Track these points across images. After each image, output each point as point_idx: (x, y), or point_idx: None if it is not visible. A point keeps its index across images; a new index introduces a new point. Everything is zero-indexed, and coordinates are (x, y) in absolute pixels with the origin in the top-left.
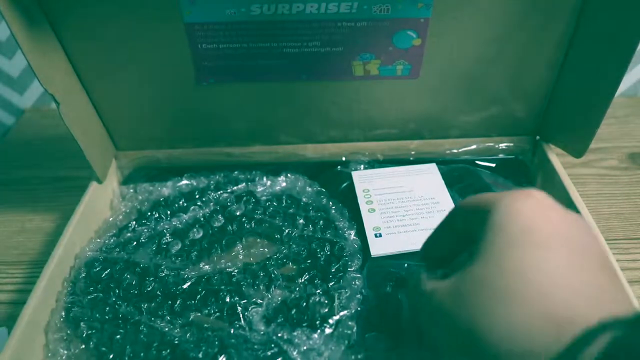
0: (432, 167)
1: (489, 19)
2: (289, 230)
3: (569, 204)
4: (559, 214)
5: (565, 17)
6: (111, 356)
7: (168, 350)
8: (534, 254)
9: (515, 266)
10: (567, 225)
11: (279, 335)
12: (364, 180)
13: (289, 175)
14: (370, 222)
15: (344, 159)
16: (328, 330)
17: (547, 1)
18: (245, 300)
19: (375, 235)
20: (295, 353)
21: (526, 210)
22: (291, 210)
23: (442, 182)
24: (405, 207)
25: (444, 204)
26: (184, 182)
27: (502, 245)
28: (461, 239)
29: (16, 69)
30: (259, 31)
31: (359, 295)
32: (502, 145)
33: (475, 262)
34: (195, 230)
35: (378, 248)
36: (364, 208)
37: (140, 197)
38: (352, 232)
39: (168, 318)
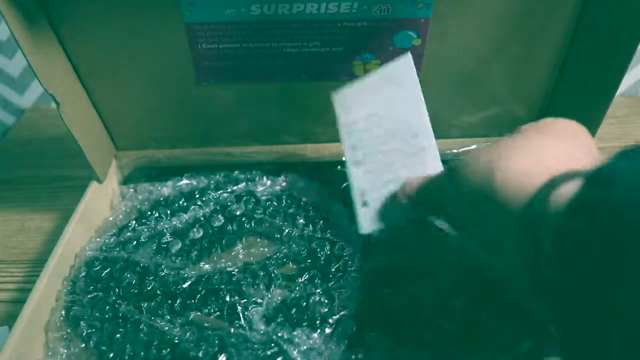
0: (407, 61)
1: (489, 19)
2: (289, 230)
3: None
4: (575, 124)
5: (565, 17)
6: (111, 355)
7: (168, 350)
8: (547, 136)
9: (532, 138)
10: (577, 129)
11: (279, 334)
12: (346, 110)
13: (289, 175)
14: (357, 182)
15: (344, 159)
16: (328, 330)
17: (547, 2)
18: (245, 300)
19: (363, 204)
20: (295, 352)
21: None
22: (291, 210)
23: (419, 90)
24: (387, 152)
25: (423, 135)
26: (184, 181)
27: (525, 130)
28: None
29: (16, 69)
30: (259, 31)
31: (359, 295)
32: None
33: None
34: (195, 229)
35: (367, 223)
36: (350, 158)
37: (140, 197)
38: (353, 232)
39: (168, 317)
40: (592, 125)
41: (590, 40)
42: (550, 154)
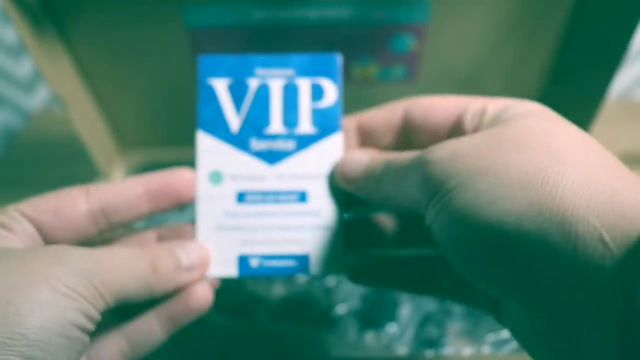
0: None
1: (485, 24)
2: None
3: (497, 98)
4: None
5: (558, 21)
6: None
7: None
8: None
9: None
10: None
11: (282, 330)
12: None
13: None
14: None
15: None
16: (329, 327)
17: (541, 7)
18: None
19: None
20: (297, 347)
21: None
22: None
23: None
24: None
25: None
26: None
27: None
28: None
29: (24, 72)
30: (260, 36)
31: (359, 292)
32: None
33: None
34: None
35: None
36: None
37: None
38: None
39: None
40: (584, 127)
41: (583, 43)
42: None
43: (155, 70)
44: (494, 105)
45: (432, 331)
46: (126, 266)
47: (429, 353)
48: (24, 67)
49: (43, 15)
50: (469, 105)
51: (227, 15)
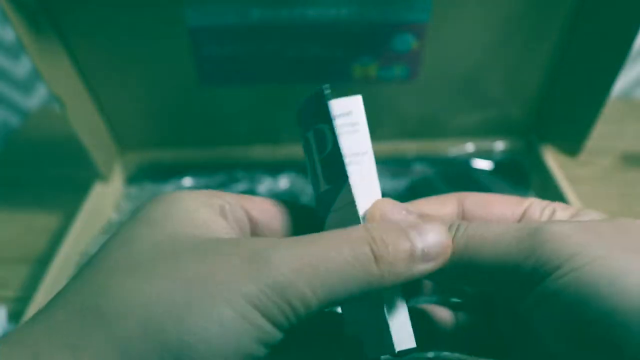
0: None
1: (486, 23)
2: None
3: (564, 203)
4: None
5: (560, 20)
6: None
7: None
8: None
9: None
10: None
11: None
12: None
13: (289, 175)
14: None
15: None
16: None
17: (541, 7)
18: None
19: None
20: None
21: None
22: None
23: None
24: None
25: None
26: (187, 181)
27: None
28: None
29: (22, 71)
30: (260, 35)
31: None
32: (499, 146)
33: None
34: None
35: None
36: None
37: (144, 197)
38: None
39: None
40: (587, 126)
41: (584, 43)
42: None
43: (154, 70)
44: (561, 206)
45: None
46: (339, 258)
47: (429, 353)
48: (22, 67)
49: (41, 14)
50: (532, 202)
51: (227, 14)
